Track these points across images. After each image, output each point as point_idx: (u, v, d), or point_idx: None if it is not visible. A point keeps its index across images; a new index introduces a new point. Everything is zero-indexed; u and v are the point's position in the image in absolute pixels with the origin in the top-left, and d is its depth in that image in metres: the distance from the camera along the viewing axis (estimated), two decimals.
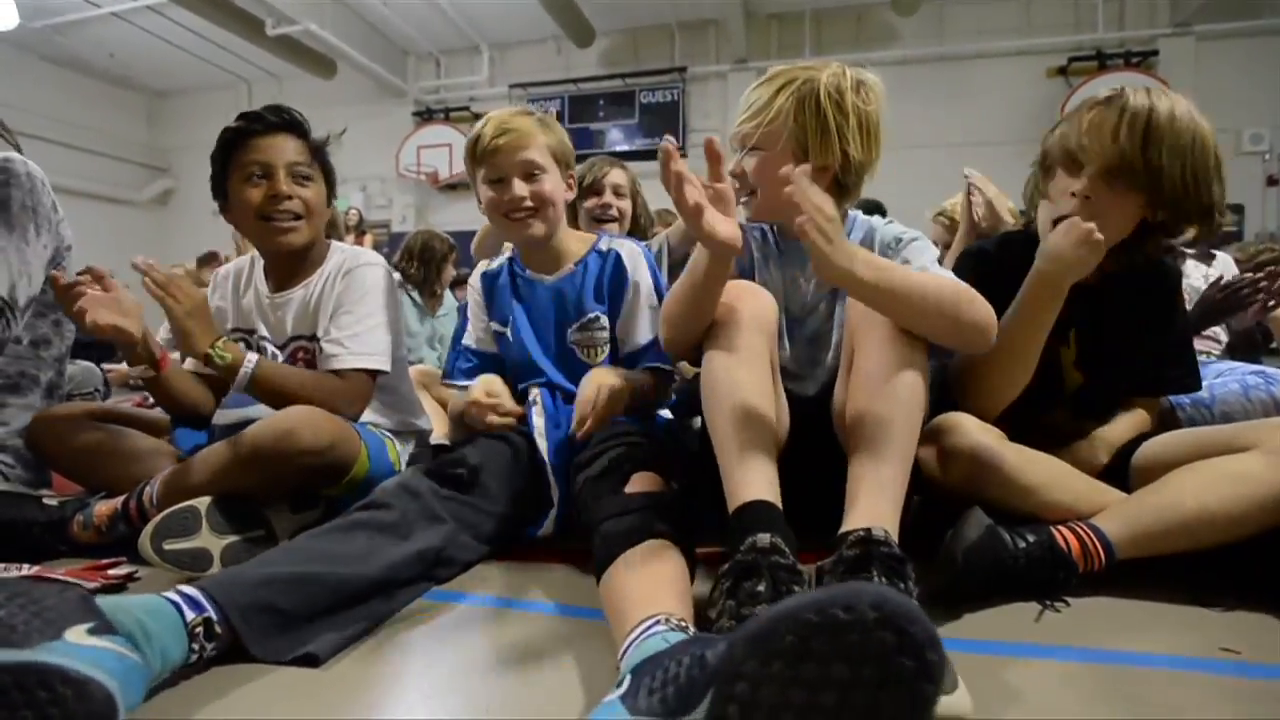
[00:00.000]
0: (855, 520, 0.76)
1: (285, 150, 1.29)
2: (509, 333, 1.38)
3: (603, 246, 1.36)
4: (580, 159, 1.60)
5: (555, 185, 1.30)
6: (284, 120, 1.31)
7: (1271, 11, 5.97)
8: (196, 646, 0.72)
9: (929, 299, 0.89)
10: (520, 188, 1.27)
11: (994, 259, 1.18)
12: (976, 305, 0.92)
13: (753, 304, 0.93)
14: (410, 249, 3.20)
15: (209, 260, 4.57)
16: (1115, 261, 1.09)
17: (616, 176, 2.03)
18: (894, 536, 0.74)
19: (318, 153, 1.35)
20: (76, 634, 0.59)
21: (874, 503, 0.77)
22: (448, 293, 3.38)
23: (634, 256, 1.34)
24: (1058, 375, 1.18)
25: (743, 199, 1.17)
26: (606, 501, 0.93)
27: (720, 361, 0.90)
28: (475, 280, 1.45)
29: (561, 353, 1.35)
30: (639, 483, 0.97)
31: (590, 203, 1.97)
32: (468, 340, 1.44)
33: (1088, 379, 1.18)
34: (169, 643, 0.69)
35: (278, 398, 1.17)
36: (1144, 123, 1.00)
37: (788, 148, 1.09)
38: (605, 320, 1.33)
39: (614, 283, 1.33)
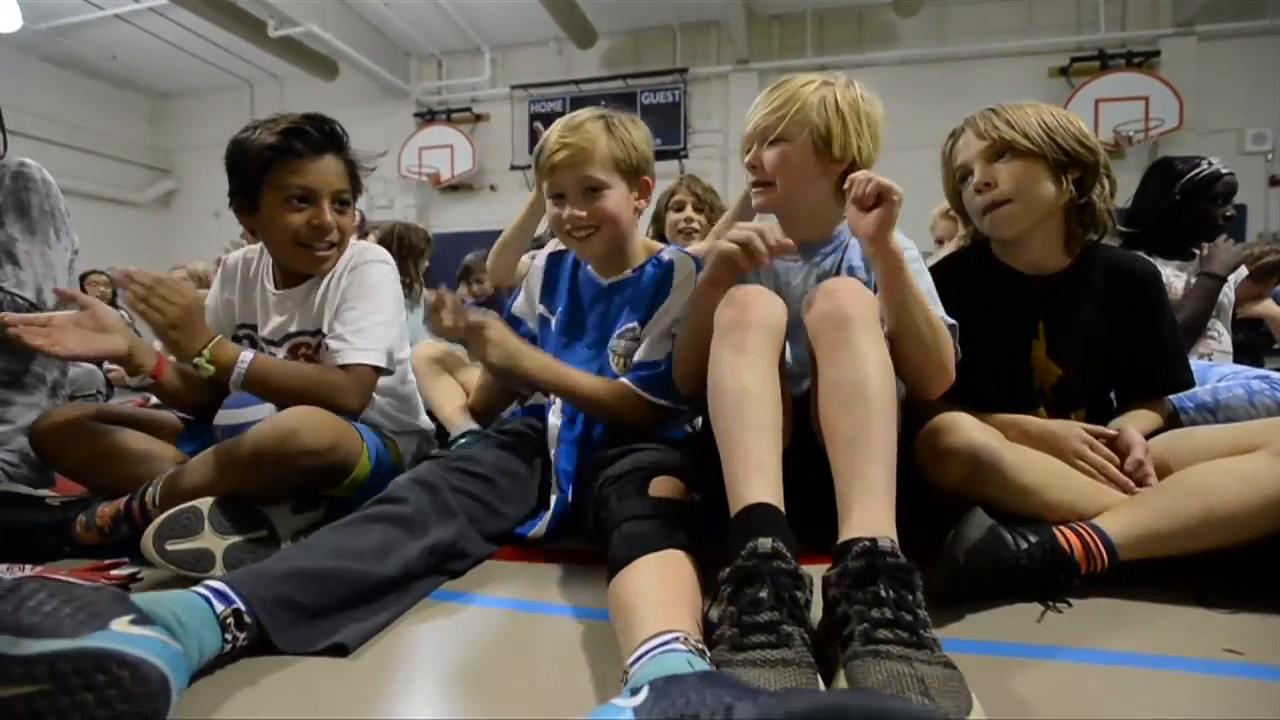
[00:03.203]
0: (853, 528, 0.74)
1: (330, 175, 1.26)
2: (554, 320, 1.36)
3: (664, 256, 1.30)
4: None
5: (619, 201, 1.23)
6: (328, 140, 1.27)
7: (1274, 12, 5.96)
8: (229, 637, 0.74)
9: (932, 327, 1.03)
10: (580, 205, 1.21)
11: (942, 284, 1.21)
12: (949, 350, 1.06)
13: (762, 307, 0.93)
14: (385, 243, 3.19)
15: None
16: (1068, 247, 1.20)
17: None
18: (896, 542, 0.72)
19: (352, 170, 1.32)
20: (121, 624, 0.61)
21: (868, 508, 0.75)
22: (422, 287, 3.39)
23: (685, 271, 1.26)
24: (1028, 370, 1.21)
25: (756, 189, 1.23)
26: (630, 502, 0.93)
27: (727, 362, 0.89)
28: (540, 259, 1.43)
29: (601, 354, 1.30)
30: (662, 487, 0.97)
31: None
32: (515, 310, 1.44)
33: (1065, 371, 1.19)
34: (204, 633, 0.71)
35: (274, 394, 1.17)
36: (991, 112, 1.19)
37: (807, 141, 1.16)
38: (640, 331, 1.27)
39: (659, 293, 1.26)
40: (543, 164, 1.23)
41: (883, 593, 0.67)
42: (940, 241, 2.06)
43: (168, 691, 0.60)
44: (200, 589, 0.75)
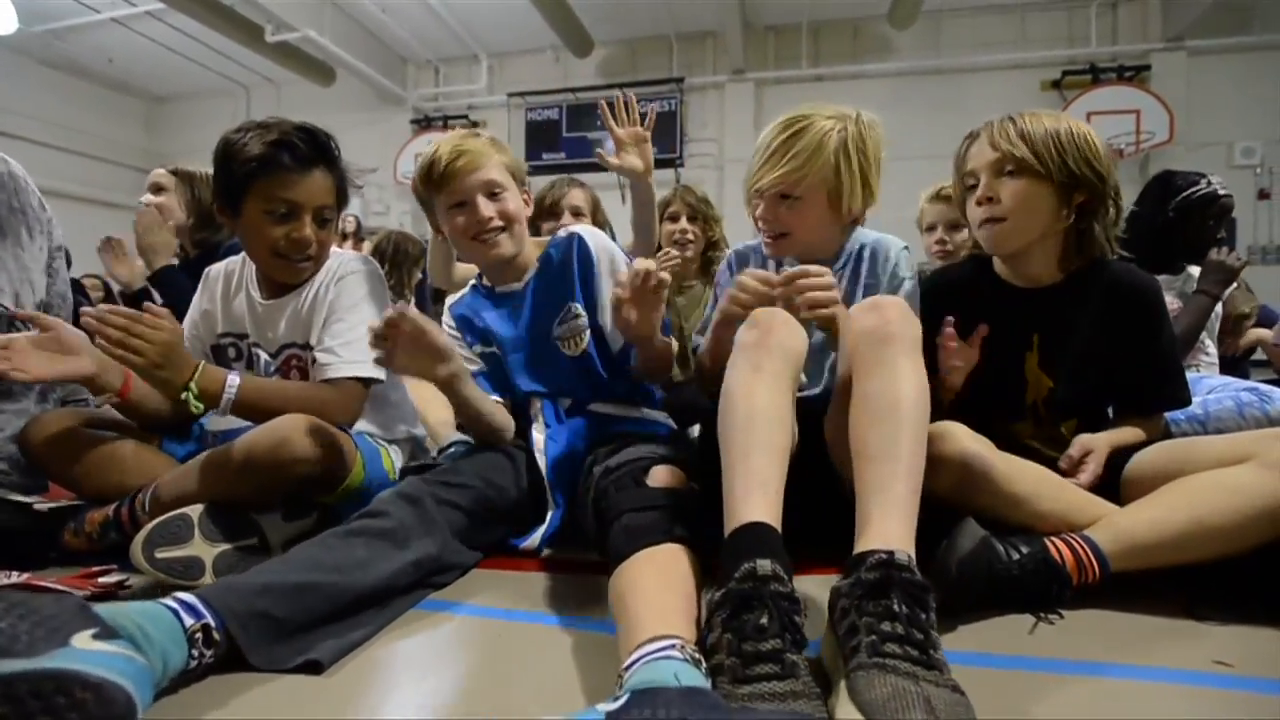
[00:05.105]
0: (870, 540, 0.72)
1: (315, 191, 1.25)
2: (498, 350, 1.37)
3: (559, 236, 1.36)
4: (576, 169, 1.61)
5: (518, 202, 1.31)
6: (318, 154, 1.26)
7: (1262, 27, 6.04)
8: (196, 653, 0.72)
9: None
10: (486, 207, 1.26)
11: (936, 294, 1.28)
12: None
13: (784, 333, 0.92)
14: (381, 250, 3.19)
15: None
16: (1063, 265, 1.20)
17: (575, 198, 2.05)
18: (913, 558, 0.70)
19: (340, 184, 1.31)
20: (83, 640, 0.59)
21: (888, 522, 0.74)
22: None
23: (594, 234, 1.34)
24: (1020, 381, 1.22)
25: (770, 239, 1.27)
26: (630, 493, 0.94)
27: (742, 379, 0.87)
28: (446, 317, 1.43)
29: (548, 355, 1.33)
30: (662, 477, 0.97)
31: (548, 225, 1.98)
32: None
33: (1056, 382, 1.20)
34: (169, 647, 0.68)
35: (264, 417, 1.13)
36: (1010, 122, 1.17)
37: (823, 196, 1.19)
38: (581, 308, 1.31)
39: (583, 264, 1.32)
40: (440, 173, 1.25)
41: (895, 607, 0.65)
42: (932, 228, 2.05)
43: (133, 712, 0.58)
44: (169, 601, 0.73)
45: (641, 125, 1.70)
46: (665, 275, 1.09)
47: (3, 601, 0.59)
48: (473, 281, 1.44)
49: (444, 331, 1.41)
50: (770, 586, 0.67)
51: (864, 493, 0.78)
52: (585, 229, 1.36)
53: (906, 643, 0.63)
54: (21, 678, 0.53)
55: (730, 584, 0.68)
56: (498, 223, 1.27)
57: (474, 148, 1.26)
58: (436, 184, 1.27)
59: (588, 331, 1.32)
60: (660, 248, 2.10)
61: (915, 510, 0.76)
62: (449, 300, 1.47)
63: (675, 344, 1.29)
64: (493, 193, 1.27)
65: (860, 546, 0.72)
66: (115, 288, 3.02)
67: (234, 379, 1.13)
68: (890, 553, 0.68)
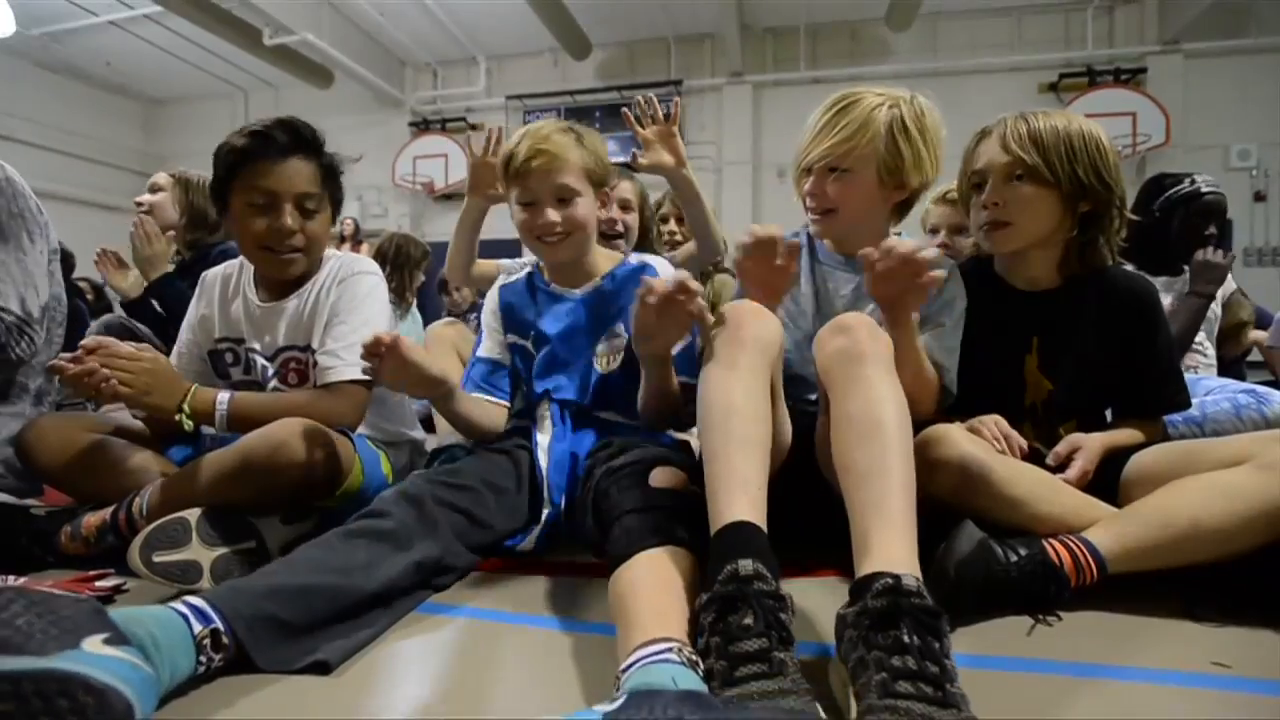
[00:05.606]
0: (873, 562, 0.69)
1: (294, 179, 1.25)
2: (530, 344, 1.36)
3: (632, 260, 1.36)
4: None
5: (588, 209, 1.29)
6: (296, 143, 1.25)
7: (1258, 30, 6.08)
8: (204, 659, 0.72)
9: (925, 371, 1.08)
10: (552, 214, 1.25)
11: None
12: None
13: (757, 326, 0.91)
14: (383, 252, 3.19)
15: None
16: (1067, 263, 1.20)
17: (624, 190, 2.03)
18: (921, 581, 0.66)
19: (328, 173, 1.31)
20: (93, 644, 0.60)
21: (888, 542, 0.71)
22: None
23: (665, 268, 1.34)
24: (1020, 384, 1.22)
25: (815, 216, 1.24)
26: (631, 493, 0.93)
27: (717, 378, 0.87)
28: (493, 294, 1.43)
29: (578, 363, 1.32)
30: (663, 478, 0.96)
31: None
32: (483, 352, 1.42)
33: (1055, 384, 1.20)
34: (178, 655, 0.69)
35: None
36: (1023, 122, 1.16)
37: (873, 174, 1.16)
38: (625, 333, 1.31)
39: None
40: (515, 169, 1.25)
41: (906, 638, 0.61)
42: (935, 230, 2.03)
43: None
44: (180, 605, 0.73)
45: (666, 121, 1.69)
46: (700, 290, 0.98)
47: (24, 598, 0.60)
48: (529, 269, 1.43)
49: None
50: (753, 586, 0.66)
51: (858, 511, 0.76)
52: (658, 262, 1.36)
53: (920, 679, 0.59)
54: (29, 676, 0.54)
55: (715, 587, 0.68)
56: (561, 229, 1.26)
57: (552, 148, 1.23)
58: (511, 177, 1.27)
59: (622, 354, 1.31)
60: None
61: (914, 527, 0.73)
62: (500, 280, 1.45)
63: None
64: (563, 198, 1.26)
65: (863, 569, 0.69)
66: (113, 296, 3.01)
67: (223, 396, 1.15)
68: (897, 578, 0.65)
